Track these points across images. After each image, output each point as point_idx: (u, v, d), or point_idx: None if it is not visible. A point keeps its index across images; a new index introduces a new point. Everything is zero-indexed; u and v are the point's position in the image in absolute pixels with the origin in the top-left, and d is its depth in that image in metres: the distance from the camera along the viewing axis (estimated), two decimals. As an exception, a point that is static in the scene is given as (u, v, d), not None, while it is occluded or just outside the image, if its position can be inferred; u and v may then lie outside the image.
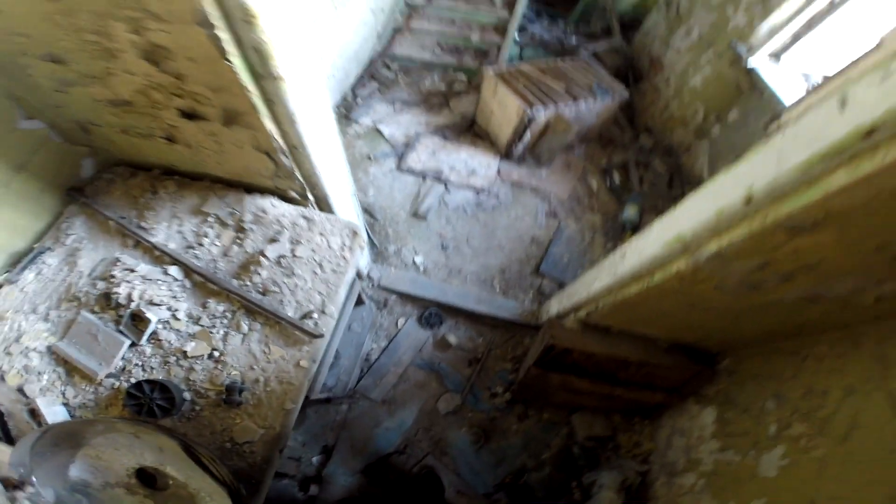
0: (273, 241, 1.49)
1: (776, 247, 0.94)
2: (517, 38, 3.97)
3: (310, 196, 1.59)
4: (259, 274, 1.42)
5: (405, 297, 2.31)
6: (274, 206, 1.56)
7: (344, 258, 1.50)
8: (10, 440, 1.22)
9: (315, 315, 1.39)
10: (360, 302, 2.06)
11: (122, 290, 1.37)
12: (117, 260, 1.44)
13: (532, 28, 4.27)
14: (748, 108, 2.63)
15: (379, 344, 2.21)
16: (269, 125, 1.22)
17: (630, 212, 2.68)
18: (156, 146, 1.51)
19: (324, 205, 1.63)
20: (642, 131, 3.35)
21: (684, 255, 1.14)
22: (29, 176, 1.49)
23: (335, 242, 1.53)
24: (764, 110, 2.43)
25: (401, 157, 2.75)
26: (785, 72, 2.47)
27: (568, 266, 2.51)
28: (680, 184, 2.96)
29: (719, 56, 2.79)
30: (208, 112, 1.24)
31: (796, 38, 2.40)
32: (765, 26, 2.51)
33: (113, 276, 1.40)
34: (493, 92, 2.66)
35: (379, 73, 3.36)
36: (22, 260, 1.49)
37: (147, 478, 1.14)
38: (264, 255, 1.44)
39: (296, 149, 1.34)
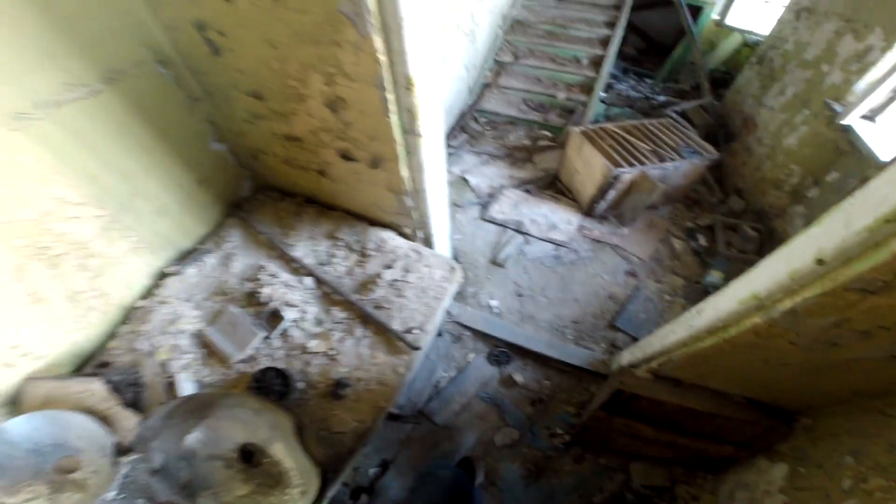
0: (388, 266, 1.77)
1: (850, 305, 0.96)
2: (603, 96, 4.12)
3: (419, 234, 1.89)
4: (375, 292, 1.69)
5: (478, 335, 2.44)
6: (392, 239, 1.86)
7: (443, 287, 1.75)
8: (140, 410, 1.42)
9: (416, 331, 1.61)
10: (438, 334, 2.27)
11: (265, 291, 1.65)
12: (263, 267, 1.74)
13: (618, 86, 4.40)
14: (848, 170, 2.52)
15: (449, 373, 2.35)
16: (404, 171, 1.50)
17: (714, 276, 2.61)
18: (306, 177, 1.85)
19: (429, 242, 1.92)
20: (732, 193, 3.27)
21: (759, 311, 1.17)
22: (207, 189, 1.83)
23: (437, 274, 1.78)
24: (862, 171, 2.36)
25: (484, 207, 2.95)
26: (882, 131, 2.41)
27: (644, 324, 2.50)
28: (769, 251, 2.84)
29: (815, 115, 2.74)
30: (360, 155, 1.54)
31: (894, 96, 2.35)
32: (861, 84, 2.47)
33: (258, 279, 1.69)
34: (579, 150, 2.79)
35: (468, 126, 3.66)
36: (187, 257, 1.81)
37: (246, 455, 1.30)
38: (381, 278, 1.72)
39: (418, 193, 1.63)
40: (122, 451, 1.32)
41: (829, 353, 1.21)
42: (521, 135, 3.61)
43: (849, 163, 2.51)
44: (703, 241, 2.88)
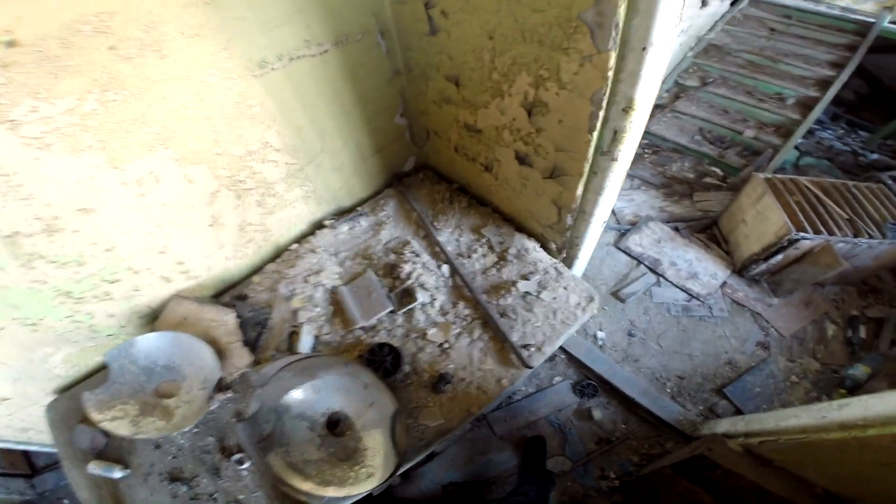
0: (525, 278, 1.76)
1: None
2: (798, 142, 3.65)
3: (563, 253, 1.86)
4: (505, 298, 1.70)
5: (573, 361, 2.49)
6: (535, 251, 1.84)
7: (575, 315, 1.68)
8: (257, 351, 1.47)
9: (532, 349, 1.59)
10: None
11: (406, 268, 1.74)
12: (409, 242, 1.85)
13: (821, 133, 3.81)
14: None
15: (527, 388, 2.42)
16: (580, 190, 1.46)
17: (859, 370, 2.31)
18: (470, 168, 1.89)
19: (570, 262, 1.88)
20: None
21: None
22: (380, 157, 1.91)
23: (573, 299, 1.73)
24: None
25: (622, 234, 2.93)
26: None
27: (755, 398, 2.34)
28: None
29: None
30: (538, 162, 1.52)
31: None
32: None
33: (402, 253, 1.80)
34: (757, 199, 2.56)
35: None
36: (344, 215, 1.91)
37: (333, 423, 1.31)
38: (515, 286, 1.72)
39: (583, 214, 1.57)
40: (222, 387, 1.35)
41: None
42: (687, 167, 3.41)
43: None
44: (862, 332, 2.53)
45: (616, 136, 1.21)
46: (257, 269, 1.72)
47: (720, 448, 1.79)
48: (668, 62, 1.13)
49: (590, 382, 2.38)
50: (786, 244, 2.35)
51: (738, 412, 2.32)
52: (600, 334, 2.61)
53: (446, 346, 1.58)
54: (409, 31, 1.49)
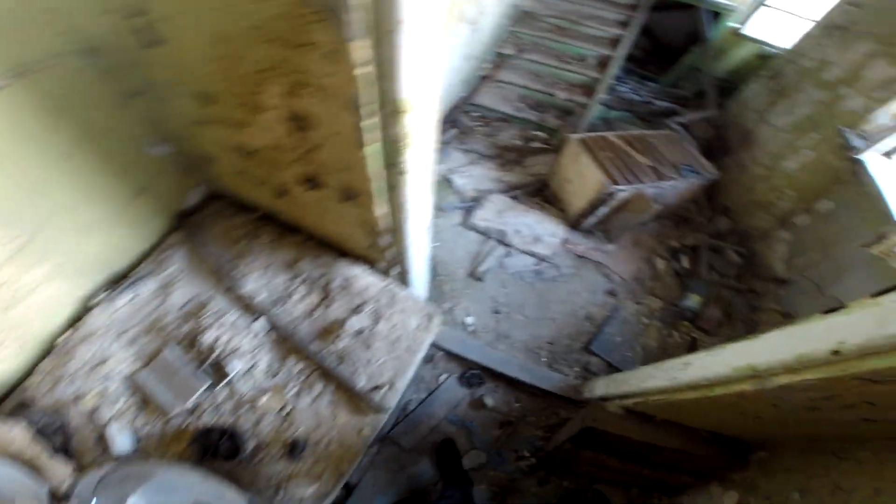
0: (356, 311, 1.59)
1: (850, 389, 0.96)
2: (604, 99, 4.00)
3: (394, 270, 1.71)
4: (339, 341, 1.52)
5: (451, 355, 2.39)
6: (362, 277, 1.68)
7: (418, 339, 1.58)
8: (71, 457, 1.30)
9: (384, 388, 1.47)
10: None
11: (209, 334, 1.48)
12: (209, 301, 1.56)
13: (620, 88, 4.25)
14: (845, 202, 2.48)
15: (419, 395, 2.30)
16: (381, 209, 1.31)
17: (692, 300, 2.60)
18: (263, 194, 1.64)
19: (405, 279, 1.75)
20: (720, 212, 3.21)
21: (752, 380, 1.17)
22: (145, 200, 1.60)
23: (412, 323, 1.62)
24: (863, 208, 2.30)
25: (468, 212, 2.86)
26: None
27: (619, 347, 2.48)
28: (750, 276, 2.82)
29: (824, 141, 2.66)
30: (329, 182, 1.33)
31: None
32: (882, 114, 2.38)
33: (202, 317, 1.52)
34: (575, 159, 2.70)
35: (459, 121, 3.52)
36: (120, 282, 1.60)
37: None
38: (346, 325, 1.55)
39: (397, 231, 1.44)
40: (59, 498, 1.23)
41: (807, 414, 1.23)
42: (514, 134, 3.49)
43: (846, 194, 2.46)
44: (685, 262, 2.85)
45: (397, 145, 1.03)
46: (31, 372, 1.45)
47: (602, 415, 1.84)
48: (437, 45, 0.93)
49: (473, 372, 2.32)
50: (606, 197, 2.51)
51: (609, 365, 2.43)
52: (469, 320, 2.52)
53: (287, 409, 1.43)
54: (123, 47, 1.23)
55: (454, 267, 2.69)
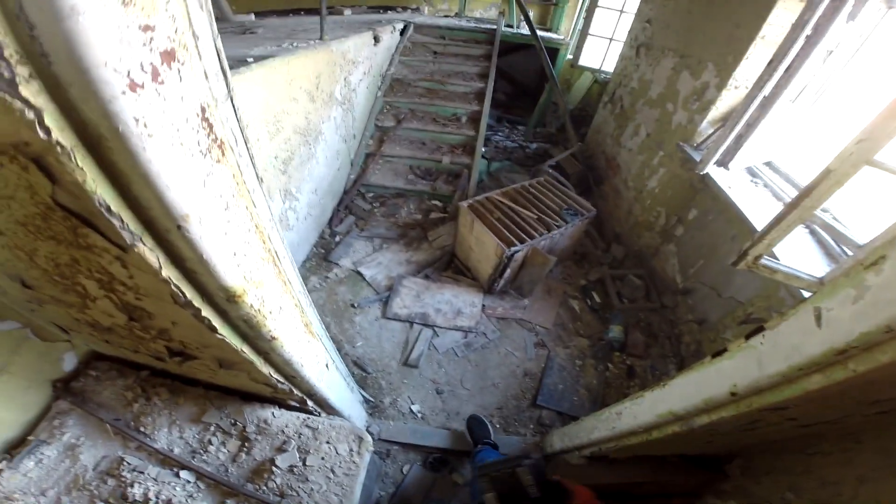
0: (281, 450, 1.59)
1: (762, 416, 1.13)
2: (483, 151, 4.38)
3: (309, 403, 1.69)
4: (273, 480, 1.51)
5: (407, 446, 2.41)
6: (275, 417, 1.67)
7: (354, 462, 1.62)
8: None
9: None
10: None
11: (137, 490, 1.41)
12: (122, 459, 1.48)
13: (495, 137, 4.73)
14: (705, 208, 2.80)
15: (387, 491, 2.29)
16: (266, 369, 1.30)
17: (614, 332, 2.90)
18: (143, 357, 1.54)
19: (325, 407, 1.75)
20: (612, 240, 3.64)
21: (678, 423, 1.32)
22: (11, 377, 1.50)
23: (343, 449, 1.64)
24: (723, 211, 2.59)
25: (385, 303, 2.94)
26: (734, 175, 2.64)
27: (563, 394, 2.67)
28: (656, 293, 3.21)
29: (670, 157, 3.04)
30: (200, 355, 1.29)
31: (739, 139, 2.51)
32: (704, 123, 2.75)
33: (122, 473, 1.44)
34: (470, 228, 2.92)
35: (354, 205, 3.65)
36: (17, 448, 1.49)
37: None
38: (275, 464, 1.54)
39: (294, 378, 1.45)
40: None
41: (749, 432, 1.39)
42: (413, 208, 3.70)
43: (705, 201, 2.78)
44: (597, 297, 3.18)
45: (250, 323, 1.00)
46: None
47: (566, 469, 1.97)
48: (263, 212, 0.92)
49: (435, 456, 2.36)
50: (506, 261, 2.74)
51: (560, 413, 2.60)
52: (415, 407, 2.55)
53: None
54: None
55: (386, 360, 2.73)
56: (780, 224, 1.61)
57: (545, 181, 3.36)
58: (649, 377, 2.81)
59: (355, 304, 2.95)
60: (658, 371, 2.84)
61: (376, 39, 3.97)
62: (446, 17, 5.47)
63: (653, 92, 3.27)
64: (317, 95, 2.91)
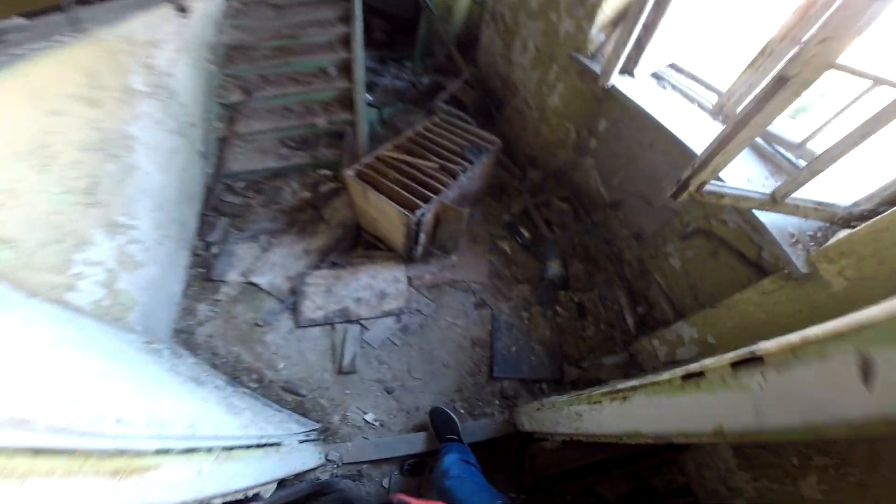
0: None
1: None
2: (370, 99, 3.87)
3: None
4: None
5: (376, 462, 2.15)
6: None
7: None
8: None
9: None
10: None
11: None
12: None
13: (382, 80, 4.19)
14: (614, 118, 2.70)
15: None
16: None
17: (553, 268, 2.73)
18: None
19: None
20: (527, 165, 3.42)
21: (650, 438, 1.13)
22: None
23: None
24: (632, 118, 2.46)
25: (294, 311, 2.48)
26: (640, 81, 2.48)
27: (519, 357, 2.48)
28: (585, 211, 3.08)
29: (565, 70, 2.83)
30: None
31: (640, 45, 2.33)
32: (594, 30, 2.52)
33: None
34: (365, 198, 2.51)
35: (223, 203, 3.01)
36: None
37: None
38: None
39: None
40: None
41: None
42: (296, 187, 3.14)
43: (612, 110, 2.66)
44: (526, 233, 2.97)
45: None
46: None
47: (544, 456, 1.90)
48: None
49: (409, 462, 2.15)
50: (415, 227, 2.39)
51: (522, 381, 2.42)
52: (369, 417, 2.26)
53: None
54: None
55: (318, 375, 2.34)
56: (727, 147, 1.39)
57: (440, 121, 3.00)
58: (601, 310, 2.71)
59: (260, 322, 2.46)
60: (608, 300, 2.74)
61: (182, 11, 3.18)
62: None
63: (532, 3, 3.03)
64: (100, 97, 2.24)
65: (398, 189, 2.44)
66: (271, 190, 3.14)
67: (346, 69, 3.64)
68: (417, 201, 2.39)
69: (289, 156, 3.28)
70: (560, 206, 3.01)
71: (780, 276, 1.70)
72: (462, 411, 2.32)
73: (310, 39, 3.79)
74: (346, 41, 3.77)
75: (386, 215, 2.47)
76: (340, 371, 2.34)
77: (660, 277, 2.56)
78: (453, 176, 2.55)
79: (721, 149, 1.39)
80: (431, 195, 2.42)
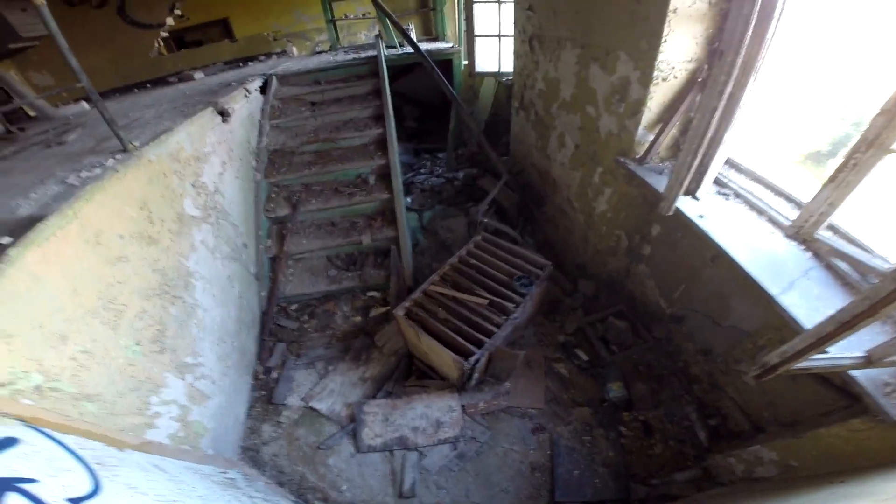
0: None
1: None
2: (409, 203, 4.92)
3: None
4: None
5: None
6: None
7: None
8: None
9: None
10: None
11: None
12: None
13: (418, 179, 5.30)
14: (666, 224, 3.17)
15: None
16: None
17: (614, 389, 3.43)
18: None
19: None
20: (576, 275, 4.20)
21: None
22: None
23: None
24: (689, 229, 2.76)
25: (355, 437, 3.35)
26: (705, 200, 2.82)
27: (582, 480, 3.13)
28: (644, 327, 3.76)
29: (612, 174, 3.32)
30: None
31: (705, 160, 2.63)
32: (640, 130, 2.92)
33: None
34: (417, 336, 3.31)
35: (280, 329, 4.02)
36: None
37: None
38: None
39: None
40: None
41: None
42: (347, 310, 4.13)
43: (668, 218, 2.88)
44: (582, 354, 3.75)
45: None
46: None
47: None
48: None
49: None
50: (469, 370, 3.18)
51: (586, 503, 3.05)
52: None
53: None
54: None
55: (379, 498, 3.14)
56: (823, 346, 1.71)
57: (483, 243, 3.85)
58: (669, 427, 3.32)
59: (322, 446, 3.35)
60: (676, 417, 3.37)
61: (223, 115, 3.97)
62: (318, 53, 5.97)
63: (564, 93, 3.63)
64: (157, 232, 2.78)
65: (449, 332, 3.25)
66: (324, 314, 4.14)
67: (384, 177, 4.69)
68: (470, 346, 3.15)
69: (338, 277, 4.29)
70: (618, 324, 3.73)
71: (872, 420, 2.00)
72: (523, 536, 2.99)
73: (347, 142, 4.92)
74: (382, 143, 4.83)
75: (439, 355, 3.29)
76: (401, 495, 3.12)
77: (732, 392, 3.03)
78: (505, 312, 3.36)
79: (818, 346, 1.70)
80: (484, 339, 3.19)
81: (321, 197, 4.68)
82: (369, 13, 6.08)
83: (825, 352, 1.86)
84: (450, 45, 5.71)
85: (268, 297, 4.14)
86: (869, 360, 1.87)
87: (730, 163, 3.01)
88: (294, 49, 6.29)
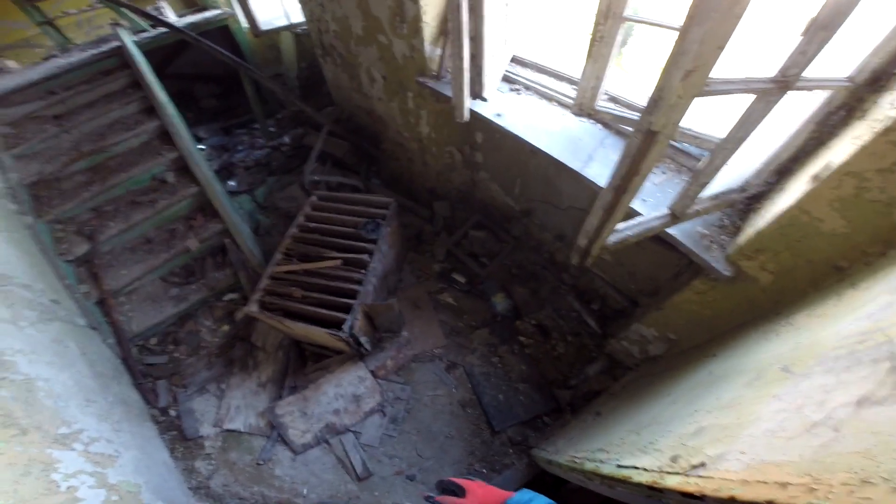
0: None
1: None
2: (234, 186, 5.13)
3: None
4: None
5: None
6: None
7: None
8: None
9: None
10: None
11: None
12: None
13: (236, 156, 5.47)
14: (483, 128, 3.93)
15: None
16: None
17: (498, 301, 4.19)
18: None
19: None
20: (430, 199, 4.88)
21: None
22: None
23: None
24: (502, 135, 3.35)
25: (285, 441, 3.82)
26: (494, 96, 3.45)
27: (509, 403, 3.85)
28: (502, 230, 4.54)
29: (421, 96, 3.93)
30: None
31: (475, 61, 3.13)
32: (427, 46, 3.44)
33: None
34: (284, 325, 3.65)
35: (150, 368, 4.21)
36: None
37: None
38: None
39: None
40: None
41: None
42: (210, 323, 4.43)
43: (481, 124, 3.60)
44: (460, 277, 4.47)
45: None
46: None
47: (572, 496, 2.84)
48: None
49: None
50: (349, 338, 3.54)
51: (523, 423, 3.80)
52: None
53: None
54: None
55: (342, 487, 3.69)
56: (613, 214, 1.92)
57: (320, 202, 4.23)
58: (562, 323, 4.10)
59: (260, 461, 3.80)
60: (563, 310, 4.17)
61: None
62: (47, 59, 5.62)
63: (356, 28, 4.03)
64: None
65: (312, 308, 3.55)
66: (188, 336, 4.40)
67: (183, 169, 4.81)
68: (338, 314, 3.50)
69: (182, 295, 4.49)
70: (478, 235, 4.47)
71: (709, 278, 2.41)
72: (484, 471, 3.71)
73: (121, 147, 4.85)
74: (166, 134, 4.89)
75: (314, 334, 3.66)
76: (359, 478, 3.70)
77: (598, 272, 3.90)
78: (362, 266, 3.77)
79: (608, 217, 1.91)
80: (350, 301, 3.56)
81: (119, 216, 4.65)
82: (98, 3, 5.81)
83: (635, 218, 2.21)
84: (219, 10, 5.77)
85: (117, 343, 4.22)
86: (674, 216, 2.17)
87: (516, 59, 3.65)
88: (11, 63, 5.81)
